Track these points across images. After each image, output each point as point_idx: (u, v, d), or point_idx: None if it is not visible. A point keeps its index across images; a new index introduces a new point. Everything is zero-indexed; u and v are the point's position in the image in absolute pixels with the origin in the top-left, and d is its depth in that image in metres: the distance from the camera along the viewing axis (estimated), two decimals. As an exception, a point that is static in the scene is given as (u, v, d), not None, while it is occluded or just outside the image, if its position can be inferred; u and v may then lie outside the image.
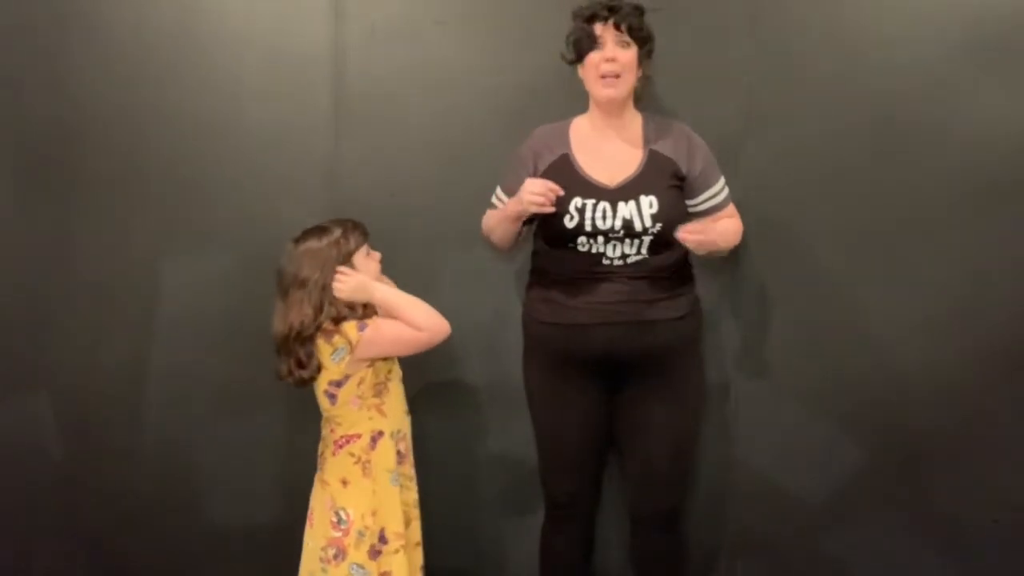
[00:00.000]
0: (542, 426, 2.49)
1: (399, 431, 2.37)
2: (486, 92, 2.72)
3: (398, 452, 2.36)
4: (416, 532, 2.41)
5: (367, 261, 2.36)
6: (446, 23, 2.70)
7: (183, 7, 2.75)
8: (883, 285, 2.64)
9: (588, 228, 2.31)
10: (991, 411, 2.64)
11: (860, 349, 2.66)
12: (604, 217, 2.31)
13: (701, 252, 2.33)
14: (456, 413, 2.76)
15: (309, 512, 2.39)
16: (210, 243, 2.77)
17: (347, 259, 2.31)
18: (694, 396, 2.48)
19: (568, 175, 2.35)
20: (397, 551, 2.31)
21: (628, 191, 2.32)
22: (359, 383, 2.31)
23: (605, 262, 2.34)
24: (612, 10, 2.31)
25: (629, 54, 2.32)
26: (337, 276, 2.29)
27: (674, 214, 2.34)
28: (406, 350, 2.33)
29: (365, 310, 2.32)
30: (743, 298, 2.65)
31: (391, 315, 2.32)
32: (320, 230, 2.34)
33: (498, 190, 2.50)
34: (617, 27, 2.31)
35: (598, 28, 2.32)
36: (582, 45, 2.34)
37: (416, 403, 2.50)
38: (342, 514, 2.31)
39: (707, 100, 2.64)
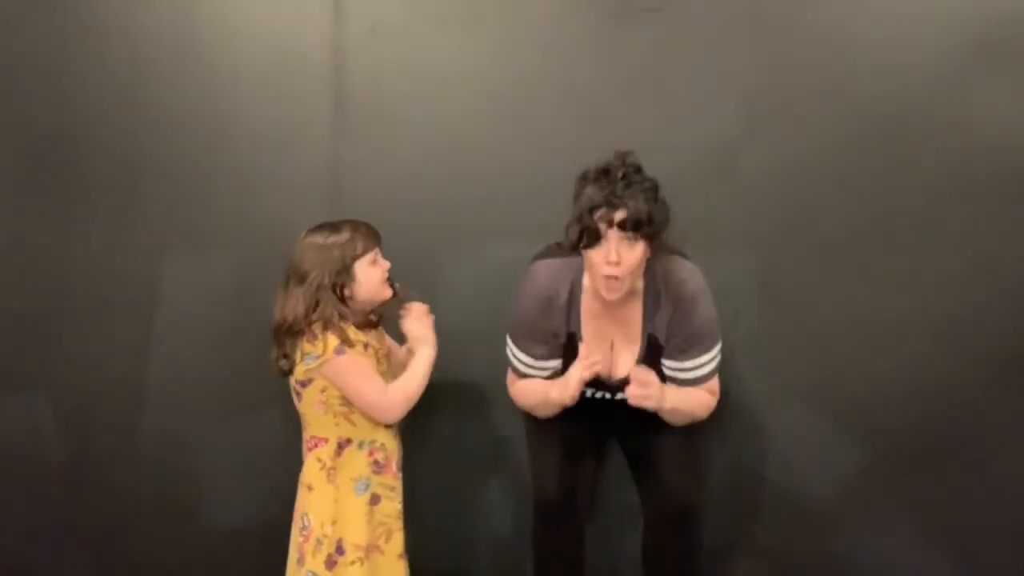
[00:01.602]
0: (533, 423, 2.48)
1: (375, 441, 2.34)
2: (486, 92, 2.72)
3: (375, 462, 2.33)
4: (399, 544, 2.37)
5: (371, 269, 2.30)
6: (446, 23, 2.71)
7: (183, 8, 2.75)
8: (883, 285, 2.64)
9: (587, 396, 2.28)
10: (992, 411, 2.63)
11: (860, 349, 2.66)
12: (603, 398, 2.32)
13: (651, 403, 2.16)
14: (454, 414, 2.76)
15: (294, 513, 2.40)
16: (210, 243, 2.77)
17: (350, 264, 2.27)
18: None
19: (575, 358, 2.24)
20: (353, 563, 2.27)
21: (627, 382, 2.21)
22: (322, 390, 2.29)
23: (587, 394, 2.31)
24: (616, 205, 2.07)
25: (635, 254, 2.12)
26: (413, 309, 2.33)
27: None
28: (355, 401, 2.28)
29: (347, 334, 2.28)
30: (743, 298, 2.65)
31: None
32: (331, 228, 2.30)
33: (519, 352, 2.35)
34: (622, 226, 2.09)
35: (601, 225, 2.10)
36: (584, 242, 2.13)
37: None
38: (306, 519, 2.31)
39: (705, 102, 2.64)
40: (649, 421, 2.28)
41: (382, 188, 2.73)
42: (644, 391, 2.14)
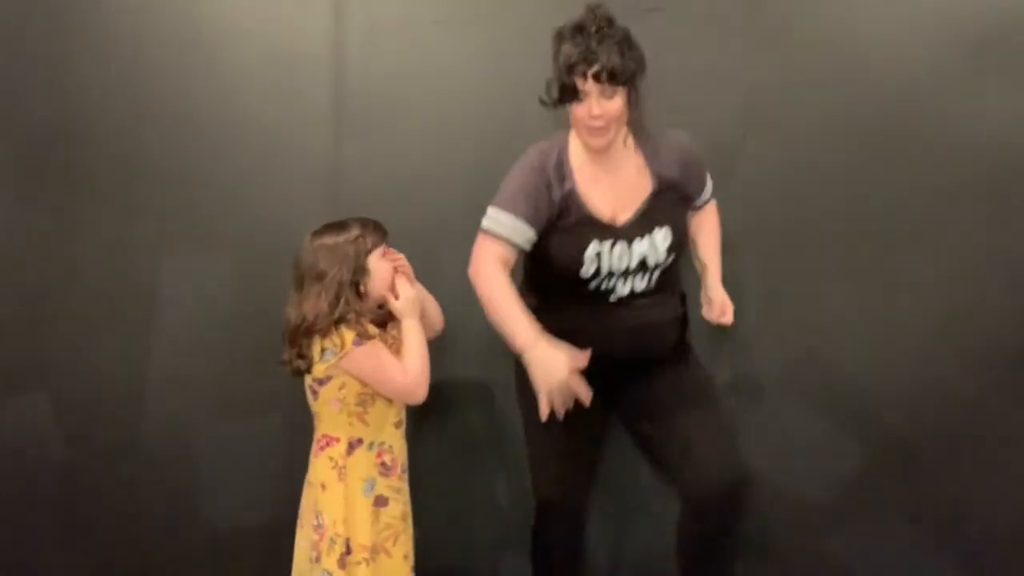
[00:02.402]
0: (532, 422, 2.45)
1: (384, 443, 2.36)
2: (485, 91, 2.72)
3: (383, 463, 2.35)
4: (405, 545, 2.38)
5: (381, 263, 2.35)
6: (445, 23, 2.71)
7: (183, 7, 2.75)
8: (883, 286, 2.64)
9: (604, 272, 2.28)
10: (991, 411, 2.64)
11: (860, 349, 2.66)
12: (620, 258, 2.28)
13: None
14: (455, 414, 2.76)
15: (300, 512, 2.41)
16: (210, 243, 2.77)
17: (363, 258, 2.32)
18: (694, 365, 2.51)
19: (578, 215, 2.27)
20: (359, 563, 2.29)
21: (642, 226, 2.28)
22: (340, 387, 2.31)
23: (613, 299, 2.33)
24: (591, 60, 2.14)
25: (614, 104, 2.19)
26: (401, 279, 2.35)
27: (685, 237, 2.38)
28: (382, 388, 2.31)
29: (364, 328, 2.31)
30: (743, 299, 2.64)
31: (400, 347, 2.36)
32: (339, 226, 2.34)
33: (499, 213, 2.27)
34: (598, 78, 2.16)
35: (579, 80, 2.17)
36: (564, 97, 2.21)
37: (413, 404, 2.50)
38: (321, 518, 2.32)
39: (706, 101, 2.64)
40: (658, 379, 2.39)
41: (382, 187, 2.73)
42: (724, 312, 2.40)
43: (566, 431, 2.40)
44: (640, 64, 2.22)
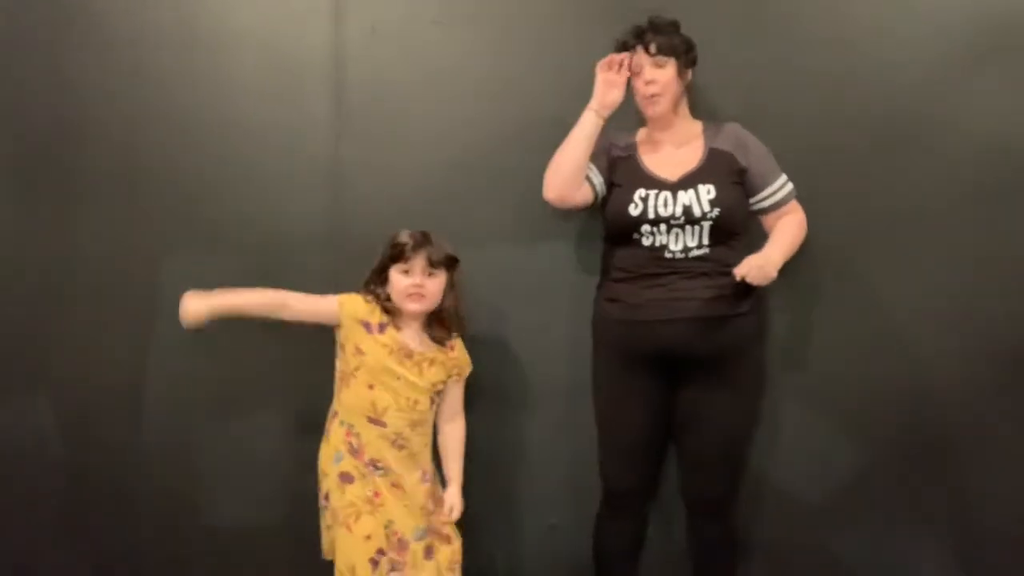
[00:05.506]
0: (604, 418, 2.57)
1: (353, 426, 2.43)
2: (485, 92, 2.72)
3: (350, 444, 2.42)
4: (367, 526, 2.39)
5: (399, 277, 2.43)
6: (444, 23, 2.71)
7: (183, 7, 2.76)
8: (885, 285, 2.64)
9: (651, 215, 2.43)
10: (993, 411, 2.64)
11: (861, 349, 2.66)
12: (665, 204, 2.43)
13: (772, 273, 2.35)
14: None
15: None
16: (210, 243, 2.77)
17: (385, 260, 2.43)
18: (751, 394, 2.57)
19: (633, 170, 2.51)
20: (324, 515, 2.46)
21: (688, 182, 2.45)
22: (341, 347, 2.46)
23: (668, 255, 2.44)
24: (641, 36, 2.47)
25: (666, 72, 2.46)
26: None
27: (732, 203, 2.44)
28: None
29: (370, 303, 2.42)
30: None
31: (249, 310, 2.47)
32: (406, 229, 2.45)
33: None
34: (647, 50, 2.45)
35: (634, 56, 2.47)
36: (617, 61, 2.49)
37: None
38: None
39: (706, 100, 2.64)
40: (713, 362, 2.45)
41: (382, 188, 2.73)
42: (758, 269, 2.32)
43: (635, 430, 2.53)
44: (689, 46, 2.50)
